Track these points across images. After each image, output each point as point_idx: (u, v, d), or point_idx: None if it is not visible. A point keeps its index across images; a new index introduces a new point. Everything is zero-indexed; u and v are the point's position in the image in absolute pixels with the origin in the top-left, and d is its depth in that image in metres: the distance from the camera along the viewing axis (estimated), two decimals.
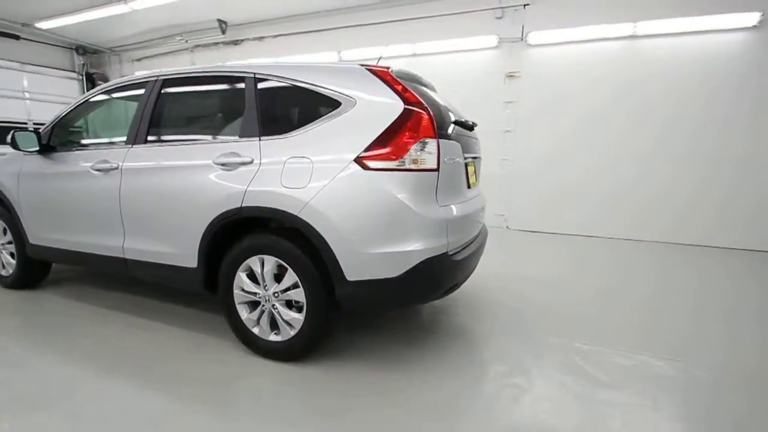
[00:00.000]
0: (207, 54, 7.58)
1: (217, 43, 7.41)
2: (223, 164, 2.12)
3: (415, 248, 1.85)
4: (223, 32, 7.10)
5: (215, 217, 2.11)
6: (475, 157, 2.47)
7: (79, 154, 2.70)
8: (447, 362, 2.17)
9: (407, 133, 1.83)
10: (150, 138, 2.43)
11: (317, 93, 2.01)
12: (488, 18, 5.56)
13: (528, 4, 5.33)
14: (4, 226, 3.08)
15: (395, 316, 2.73)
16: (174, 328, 2.52)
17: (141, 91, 2.57)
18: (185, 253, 2.26)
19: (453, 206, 2.04)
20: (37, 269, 3.14)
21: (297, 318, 2.03)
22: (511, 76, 5.57)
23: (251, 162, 2.05)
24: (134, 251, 2.44)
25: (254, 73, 2.19)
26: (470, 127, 2.40)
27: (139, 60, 8.22)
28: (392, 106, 1.87)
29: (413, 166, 1.84)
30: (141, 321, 2.63)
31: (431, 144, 1.86)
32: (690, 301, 3.16)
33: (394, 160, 1.83)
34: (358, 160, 1.85)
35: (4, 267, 3.17)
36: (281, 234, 2.06)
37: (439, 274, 1.92)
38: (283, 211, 1.94)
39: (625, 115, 5.09)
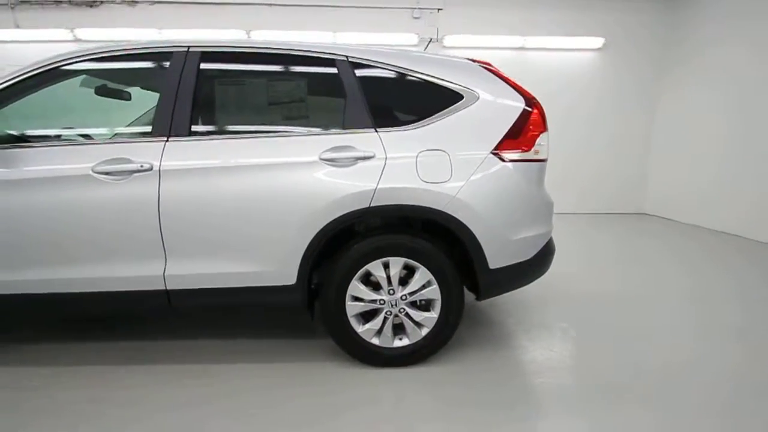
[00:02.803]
0: (39, 15, 5.60)
1: (59, 2, 5.55)
2: (332, 160, 1.83)
3: (545, 230, 2.06)
4: None
5: (330, 221, 1.82)
6: None
7: (45, 152, 1.83)
8: (534, 330, 2.45)
9: (532, 127, 1.99)
10: (196, 129, 1.86)
11: (437, 85, 1.95)
12: (407, 17, 5.87)
13: (441, 9, 5.87)
14: None
15: None
16: (230, 366, 2.04)
17: (153, 65, 1.93)
18: (279, 270, 1.87)
19: None
20: None
21: (430, 317, 1.97)
22: None
23: (373, 156, 1.84)
24: (184, 278, 1.85)
25: (346, 56, 1.95)
26: None
27: None
28: (515, 101, 1.98)
29: (536, 157, 2.01)
30: (179, 368, 2.02)
31: (545, 136, 2.06)
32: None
33: (525, 151, 1.96)
34: (496, 153, 1.91)
35: None
36: (405, 232, 1.94)
37: (553, 252, 2.16)
38: (426, 207, 1.84)
39: None
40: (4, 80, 1.86)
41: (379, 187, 1.82)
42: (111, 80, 2.10)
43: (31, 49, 5.74)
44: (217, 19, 5.69)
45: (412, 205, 1.84)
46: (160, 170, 1.78)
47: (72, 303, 1.87)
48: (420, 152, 1.87)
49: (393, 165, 1.84)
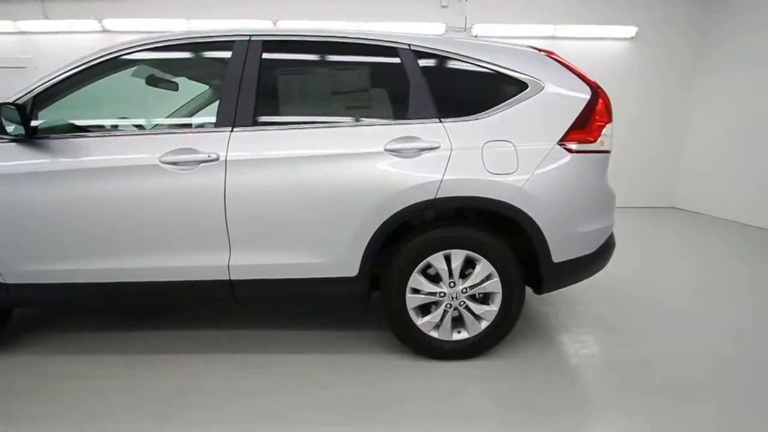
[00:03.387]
0: (68, 6, 5.63)
1: None
2: (397, 151, 1.81)
3: (608, 224, 2.01)
4: None
5: (394, 213, 1.80)
6: None
7: (111, 142, 1.84)
8: (585, 324, 2.42)
9: (597, 117, 1.93)
10: (260, 119, 1.85)
11: (501, 74, 1.90)
12: (435, 6, 5.78)
13: None
14: None
15: None
16: (287, 355, 2.05)
17: (215, 54, 1.92)
18: (341, 261, 1.86)
19: None
20: None
21: (491, 310, 1.95)
22: None
23: (438, 147, 1.81)
24: (247, 269, 1.86)
25: (409, 45, 1.91)
26: None
27: None
28: (581, 91, 1.93)
29: (601, 148, 1.96)
30: (243, 357, 2.04)
31: (609, 127, 2.01)
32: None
33: (591, 142, 1.91)
34: (562, 143, 1.87)
35: None
36: (461, 224, 1.92)
37: (614, 246, 2.12)
38: (492, 199, 1.81)
39: None
40: (65, 70, 1.85)
41: (445, 178, 1.79)
42: (171, 70, 2.10)
43: (60, 40, 5.79)
44: (245, 9, 5.67)
45: (478, 197, 1.81)
46: (226, 160, 1.78)
47: (138, 292, 1.89)
48: (485, 143, 1.83)
49: (458, 156, 1.81)
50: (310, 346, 2.14)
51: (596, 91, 1.95)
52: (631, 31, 5.78)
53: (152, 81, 2.30)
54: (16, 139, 1.79)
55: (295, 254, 1.86)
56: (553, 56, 1.99)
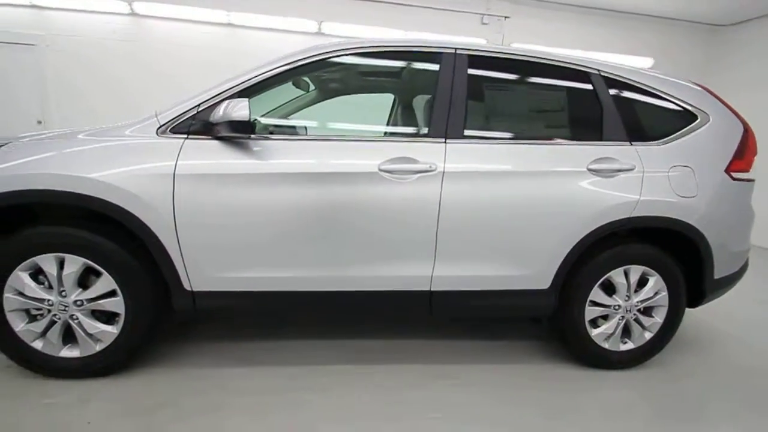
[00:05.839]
0: None
1: None
2: (597, 170, 1.91)
3: (749, 245, 2.24)
4: None
5: (593, 230, 1.90)
6: None
7: (316, 147, 1.78)
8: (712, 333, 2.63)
9: (749, 149, 2.15)
10: (468, 132, 1.87)
11: (677, 104, 2.07)
12: (476, 22, 5.97)
13: (508, 17, 6.01)
14: (92, 267, 1.67)
15: None
16: (459, 366, 2.09)
17: (422, 64, 1.92)
18: (536, 274, 1.92)
19: None
20: (148, 333, 1.85)
21: (656, 322, 2.09)
22: None
23: (633, 169, 1.94)
24: (449, 280, 1.87)
25: (599, 71, 2.02)
26: None
27: None
28: (737, 125, 2.14)
29: (751, 177, 2.18)
30: (421, 368, 2.04)
31: (754, 158, 2.23)
32: None
33: (747, 171, 2.13)
34: (727, 171, 2.06)
35: (79, 343, 1.73)
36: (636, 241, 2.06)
37: (748, 266, 2.35)
38: (679, 220, 1.96)
39: None
40: (271, 68, 1.77)
41: (641, 198, 1.91)
42: (371, 76, 2.05)
43: (79, 18, 5.30)
44: (287, 7, 5.52)
45: (667, 217, 1.95)
46: (443, 172, 1.78)
47: (335, 301, 1.83)
48: (671, 167, 1.98)
49: (650, 177, 1.94)
50: (477, 357, 2.18)
51: (746, 127, 2.17)
52: (648, 62, 6.31)
53: (295, 82, 2.24)
54: (219, 138, 1.68)
55: (495, 266, 1.89)
56: (713, 93, 2.19)
